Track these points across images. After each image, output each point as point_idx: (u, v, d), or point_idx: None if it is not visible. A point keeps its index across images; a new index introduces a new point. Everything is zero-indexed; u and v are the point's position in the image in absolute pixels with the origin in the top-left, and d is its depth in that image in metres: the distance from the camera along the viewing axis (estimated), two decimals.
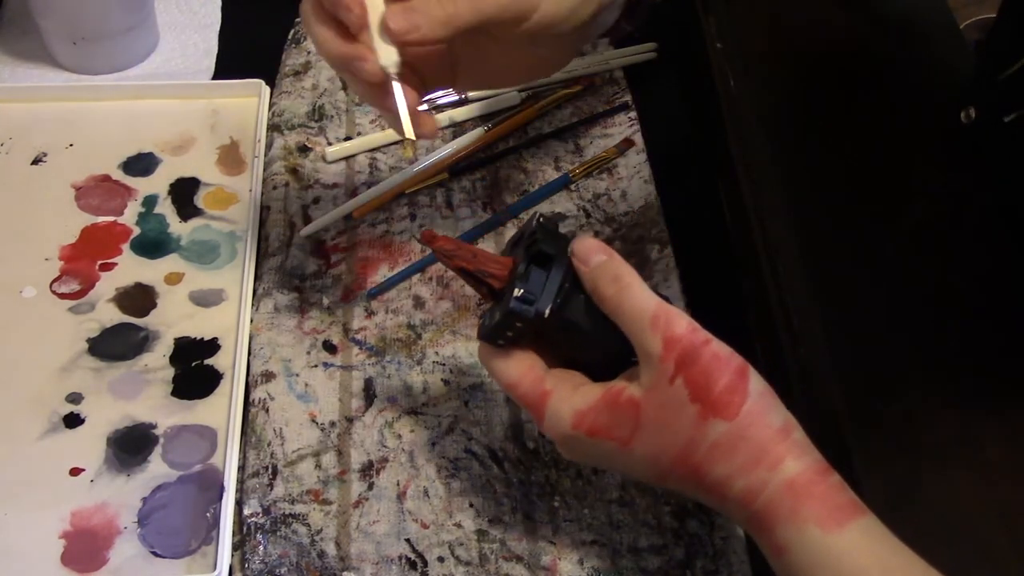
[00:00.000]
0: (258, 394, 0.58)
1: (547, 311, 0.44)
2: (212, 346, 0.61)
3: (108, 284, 0.63)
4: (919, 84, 0.69)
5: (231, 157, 0.70)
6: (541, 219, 0.47)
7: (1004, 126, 0.59)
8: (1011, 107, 0.59)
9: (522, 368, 0.47)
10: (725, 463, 0.42)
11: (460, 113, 0.72)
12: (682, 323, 0.43)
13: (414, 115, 0.49)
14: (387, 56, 0.47)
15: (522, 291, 0.44)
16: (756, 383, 0.43)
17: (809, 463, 0.42)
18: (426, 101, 0.73)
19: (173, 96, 0.73)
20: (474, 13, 0.47)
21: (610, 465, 0.48)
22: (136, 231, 0.66)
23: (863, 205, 0.63)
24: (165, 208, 0.67)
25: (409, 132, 0.49)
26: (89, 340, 0.60)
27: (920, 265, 0.60)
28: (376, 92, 0.49)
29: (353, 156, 0.70)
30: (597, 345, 0.46)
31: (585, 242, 0.46)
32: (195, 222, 0.66)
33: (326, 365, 0.59)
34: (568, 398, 0.45)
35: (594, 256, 0.46)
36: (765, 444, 0.42)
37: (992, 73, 0.60)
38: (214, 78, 0.75)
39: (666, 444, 0.43)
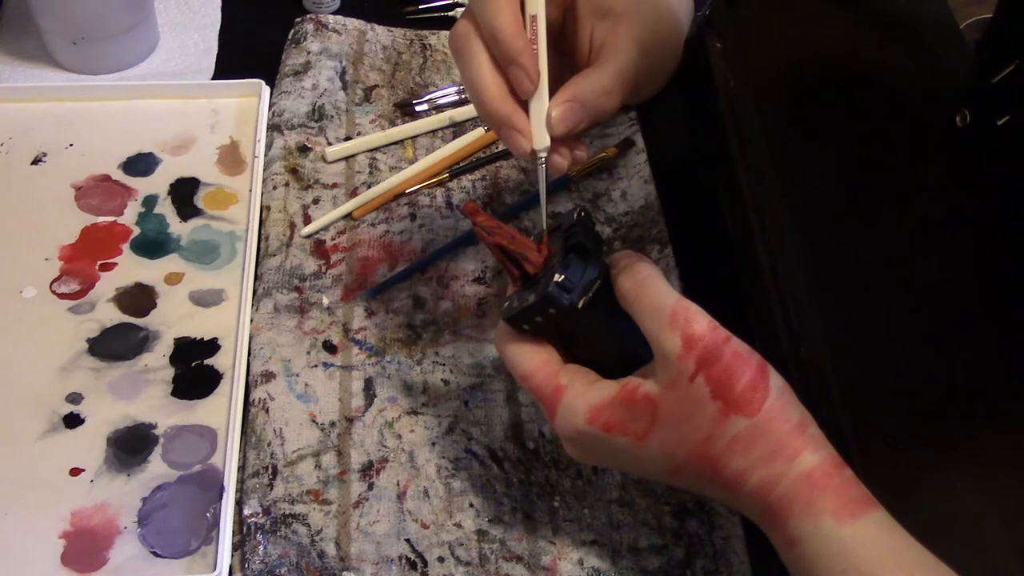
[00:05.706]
0: (258, 394, 0.58)
1: (581, 303, 0.44)
2: (212, 346, 0.61)
3: (108, 284, 0.63)
4: (919, 85, 0.69)
5: (231, 157, 0.70)
6: (583, 213, 0.47)
7: (997, 129, 0.59)
8: (1004, 110, 0.59)
9: (538, 360, 0.47)
10: (744, 457, 0.43)
11: (460, 113, 0.72)
12: (703, 321, 0.43)
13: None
14: (542, 141, 0.47)
15: (563, 277, 0.44)
16: (776, 380, 0.43)
17: (825, 456, 0.43)
18: (426, 101, 0.73)
19: (173, 96, 0.73)
20: (620, 98, 0.48)
21: (620, 462, 0.48)
22: (136, 231, 0.66)
23: (863, 205, 0.63)
24: (165, 208, 0.67)
25: (543, 205, 0.49)
26: (89, 340, 0.60)
27: (919, 265, 0.60)
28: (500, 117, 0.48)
29: (353, 156, 0.70)
30: (616, 347, 0.47)
31: (623, 251, 0.47)
32: (195, 222, 0.66)
33: (326, 365, 0.59)
34: (583, 394, 0.46)
35: (625, 259, 0.46)
36: (783, 438, 0.42)
37: (985, 77, 0.60)
38: (214, 78, 0.75)
39: (684, 439, 0.44)
